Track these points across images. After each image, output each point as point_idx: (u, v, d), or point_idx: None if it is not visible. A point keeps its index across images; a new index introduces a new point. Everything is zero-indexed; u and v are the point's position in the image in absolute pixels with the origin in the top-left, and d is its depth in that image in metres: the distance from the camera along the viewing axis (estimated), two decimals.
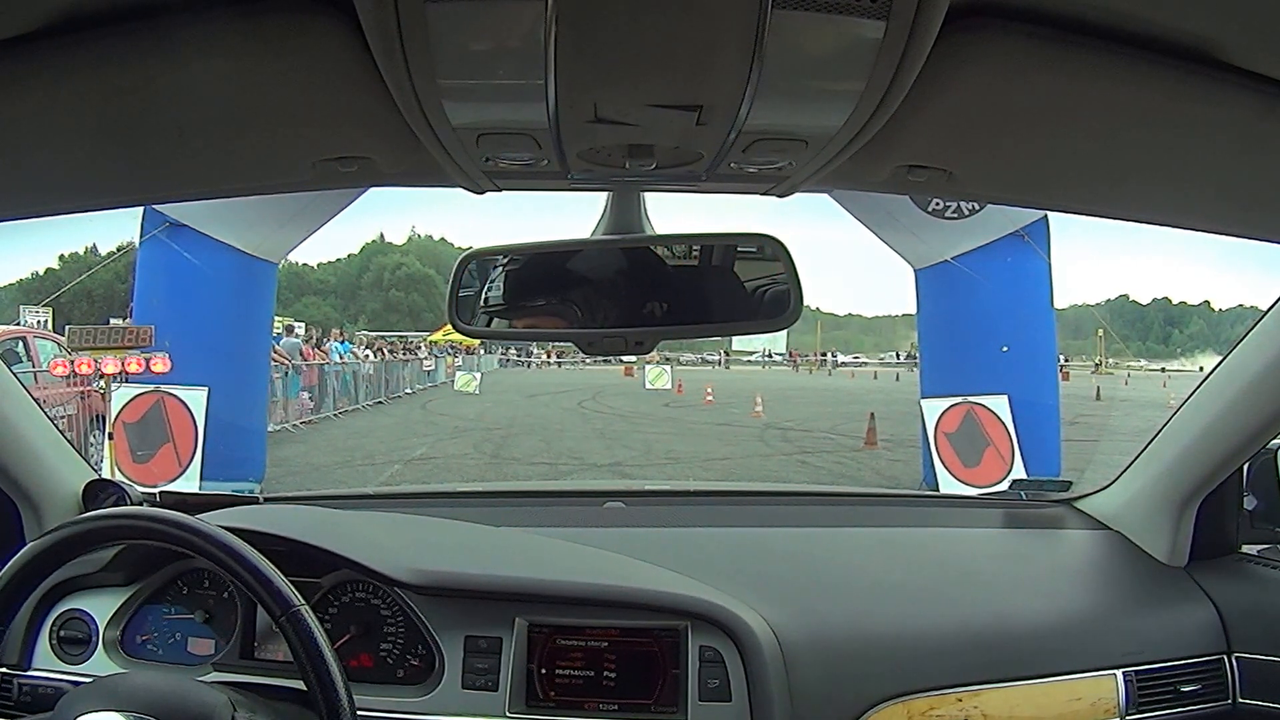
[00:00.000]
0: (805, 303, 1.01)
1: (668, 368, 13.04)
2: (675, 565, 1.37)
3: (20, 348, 7.42)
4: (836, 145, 0.76)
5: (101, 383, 6.35)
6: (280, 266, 8.12)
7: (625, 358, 13.44)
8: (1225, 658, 1.35)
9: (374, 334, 24.53)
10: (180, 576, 1.37)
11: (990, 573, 1.49)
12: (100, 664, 1.30)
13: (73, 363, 6.14)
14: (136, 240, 6.80)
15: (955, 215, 6.84)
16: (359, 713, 1.00)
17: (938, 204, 6.77)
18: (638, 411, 14.48)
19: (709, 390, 16.82)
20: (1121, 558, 1.53)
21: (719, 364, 34.59)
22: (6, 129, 0.72)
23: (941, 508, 1.99)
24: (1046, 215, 6.55)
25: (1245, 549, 1.52)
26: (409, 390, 16.35)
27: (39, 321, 13.12)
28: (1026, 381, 6.90)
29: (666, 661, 1.24)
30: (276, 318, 9.78)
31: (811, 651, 1.26)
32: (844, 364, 36.18)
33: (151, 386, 6.37)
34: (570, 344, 1.14)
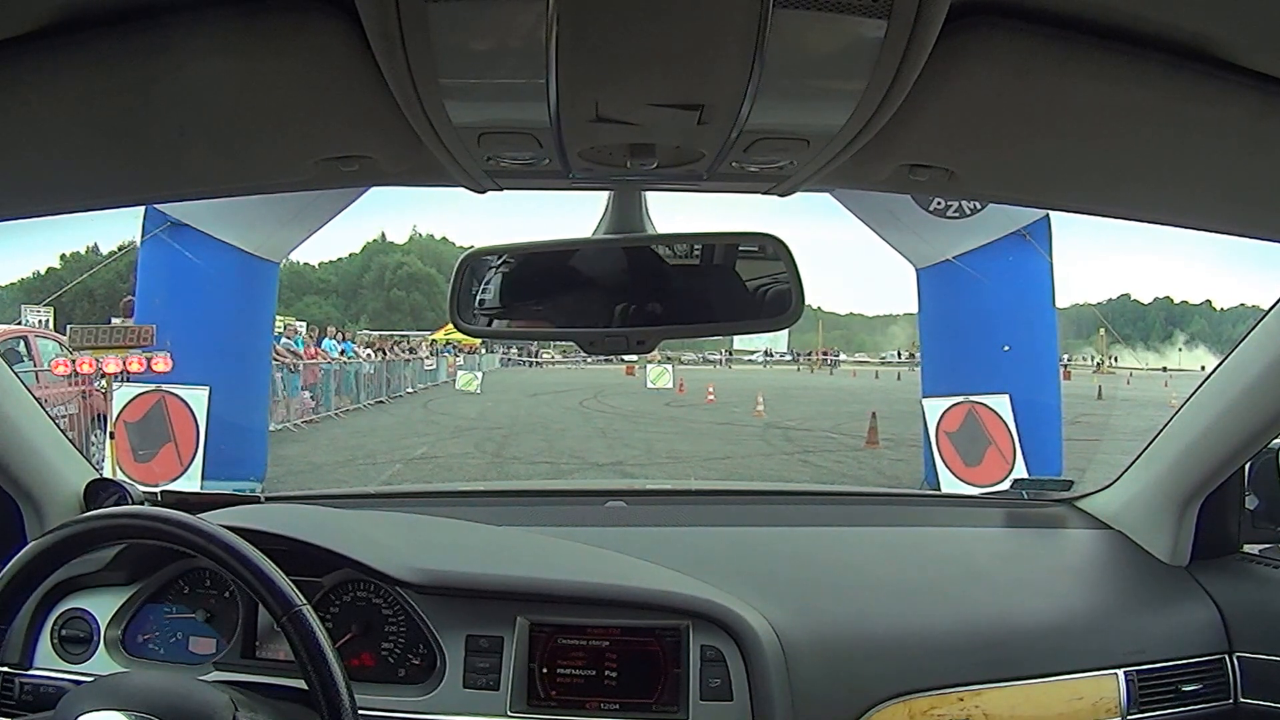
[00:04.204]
0: (806, 302, 1.01)
1: (669, 367, 12.99)
2: (677, 564, 1.37)
3: (22, 347, 7.42)
4: (838, 144, 0.76)
5: (103, 382, 6.35)
6: (282, 266, 8.12)
7: (627, 357, 13.46)
8: (1227, 657, 1.35)
9: (376, 333, 24.52)
10: (182, 576, 1.37)
11: (992, 572, 1.49)
12: (102, 663, 1.31)
13: (74, 362, 6.13)
14: (138, 240, 6.80)
15: (957, 214, 6.83)
16: (360, 712, 1.00)
17: (939, 203, 6.75)
18: (639, 411, 14.45)
19: (710, 389, 16.79)
20: (1123, 557, 1.52)
21: (720, 363, 34.51)
22: (6, 129, 0.72)
23: (943, 507, 2.00)
24: (1048, 214, 6.54)
25: (1247, 549, 1.52)
26: (410, 389, 16.33)
27: (40, 321, 13.08)
28: (1028, 381, 6.88)
29: (668, 661, 1.24)
30: (278, 317, 9.78)
31: (813, 651, 1.25)
32: (844, 363, 36.14)
33: (153, 386, 6.37)
34: (572, 343, 1.14)
